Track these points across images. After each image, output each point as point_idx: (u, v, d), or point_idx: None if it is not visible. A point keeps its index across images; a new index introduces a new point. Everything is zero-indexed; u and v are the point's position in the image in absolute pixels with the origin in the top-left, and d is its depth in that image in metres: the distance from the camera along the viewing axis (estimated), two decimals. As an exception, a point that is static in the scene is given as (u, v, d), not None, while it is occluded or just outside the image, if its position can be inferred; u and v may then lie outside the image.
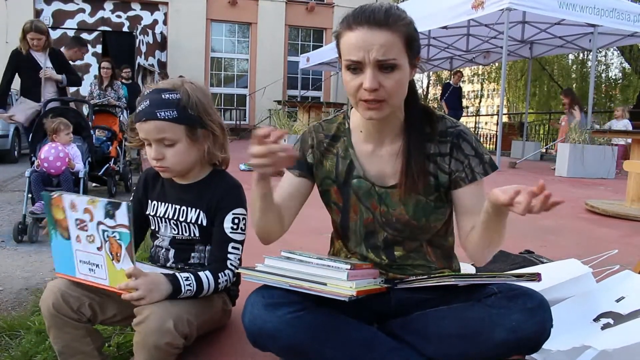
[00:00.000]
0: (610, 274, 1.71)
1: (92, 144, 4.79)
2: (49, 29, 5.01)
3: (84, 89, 11.40)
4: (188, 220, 1.47)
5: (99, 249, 1.27)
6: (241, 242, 1.46)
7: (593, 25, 7.70)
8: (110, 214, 1.22)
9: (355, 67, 1.17)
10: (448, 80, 10.37)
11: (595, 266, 1.78)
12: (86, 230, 1.27)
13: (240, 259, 1.46)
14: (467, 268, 1.89)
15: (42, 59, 5.00)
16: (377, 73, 1.15)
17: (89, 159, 4.65)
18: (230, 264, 1.43)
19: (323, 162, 1.36)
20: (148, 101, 1.38)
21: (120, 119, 6.09)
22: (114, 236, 1.23)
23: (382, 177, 1.32)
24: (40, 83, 4.92)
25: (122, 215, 1.21)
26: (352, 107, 1.39)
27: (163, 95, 1.38)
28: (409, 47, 1.18)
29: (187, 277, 1.33)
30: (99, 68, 6.66)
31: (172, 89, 1.39)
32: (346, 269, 1.10)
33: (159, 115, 1.35)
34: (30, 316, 2.12)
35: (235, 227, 1.45)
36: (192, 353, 1.40)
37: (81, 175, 4.20)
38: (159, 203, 1.52)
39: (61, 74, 5.06)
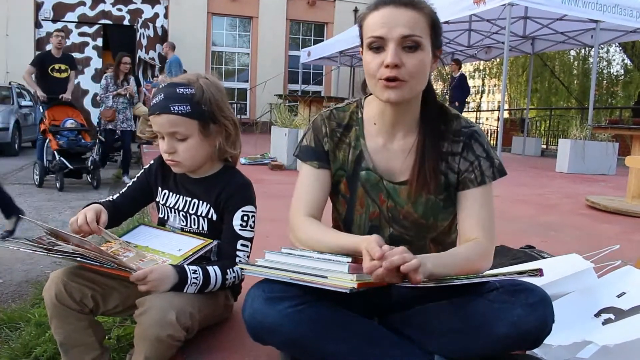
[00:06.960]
0: (612, 270, 1.70)
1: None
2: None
3: (94, 86, 11.42)
4: (198, 213, 1.48)
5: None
6: (250, 240, 1.47)
7: (595, 21, 7.65)
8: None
9: (378, 46, 1.16)
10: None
11: (596, 261, 1.77)
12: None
13: (249, 257, 1.46)
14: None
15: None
16: (399, 51, 1.15)
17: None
18: (239, 261, 1.43)
19: (336, 153, 1.34)
20: (162, 95, 1.39)
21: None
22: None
23: (392, 172, 1.30)
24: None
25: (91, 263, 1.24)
26: (366, 97, 1.36)
27: (177, 90, 1.38)
28: (433, 30, 1.19)
29: (195, 270, 1.33)
30: (119, 63, 6.60)
31: (186, 83, 1.40)
32: (347, 262, 1.10)
33: (172, 109, 1.36)
34: (31, 308, 2.13)
35: (244, 224, 1.45)
36: (192, 346, 1.40)
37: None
38: (170, 193, 1.53)
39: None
